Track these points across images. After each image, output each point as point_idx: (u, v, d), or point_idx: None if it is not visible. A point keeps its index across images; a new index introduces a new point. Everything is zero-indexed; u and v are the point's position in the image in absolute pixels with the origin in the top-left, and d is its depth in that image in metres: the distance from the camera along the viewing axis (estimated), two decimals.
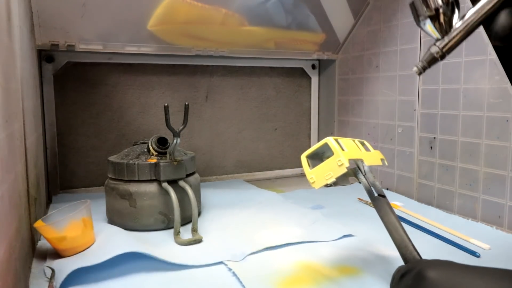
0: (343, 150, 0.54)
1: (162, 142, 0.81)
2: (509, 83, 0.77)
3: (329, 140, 0.55)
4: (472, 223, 0.81)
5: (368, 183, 0.57)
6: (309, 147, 1.36)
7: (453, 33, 0.51)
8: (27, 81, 0.72)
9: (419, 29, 0.95)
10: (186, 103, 0.78)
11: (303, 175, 1.36)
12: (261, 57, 1.22)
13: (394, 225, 0.53)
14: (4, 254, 0.41)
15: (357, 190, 1.09)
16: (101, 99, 1.09)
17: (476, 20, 0.50)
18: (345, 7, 1.12)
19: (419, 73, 0.55)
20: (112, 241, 0.65)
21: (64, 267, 0.58)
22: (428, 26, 0.52)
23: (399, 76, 1.02)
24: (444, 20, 0.51)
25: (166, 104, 0.74)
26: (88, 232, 0.66)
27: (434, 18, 0.51)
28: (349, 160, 0.53)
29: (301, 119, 1.36)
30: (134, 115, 1.13)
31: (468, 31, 0.51)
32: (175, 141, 0.77)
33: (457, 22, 0.51)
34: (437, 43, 0.52)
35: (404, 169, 1.02)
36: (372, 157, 0.59)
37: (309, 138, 1.37)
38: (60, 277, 0.55)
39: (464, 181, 0.86)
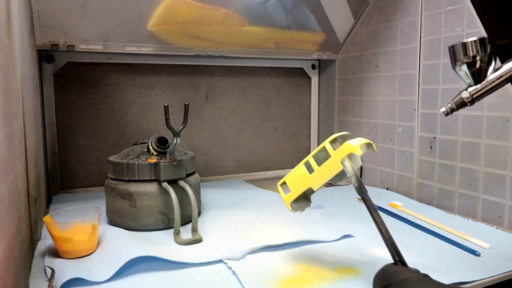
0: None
1: (162, 142, 0.81)
2: (509, 83, 0.77)
3: (278, 186, 0.64)
4: (472, 223, 0.81)
5: (356, 175, 0.57)
6: (309, 147, 1.37)
7: (486, 83, 0.53)
8: (27, 81, 0.72)
9: (419, 29, 0.95)
10: (186, 103, 0.79)
11: None
12: (261, 57, 1.22)
13: (384, 224, 0.54)
14: (4, 254, 0.41)
15: None
16: (101, 99, 1.09)
17: (510, 75, 0.53)
18: (345, 7, 1.12)
19: (447, 114, 0.57)
20: (115, 250, 0.65)
21: (66, 270, 0.58)
22: (463, 71, 0.54)
23: (399, 76, 1.02)
24: (480, 68, 0.53)
25: (166, 104, 0.74)
26: (94, 239, 0.66)
27: (471, 65, 0.53)
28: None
29: (301, 119, 1.36)
30: (134, 115, 1.13)
31: (500, 84, 0.54)
32: (175, 141, 0.77)
33: (491, 73, 0.53)
34: (469, 89, 0.54)
35: (404, 169, 1.02)
36: (325, 171, 0.58)
37: (309, 138, 1.37)
38: (60, 279, 0.55)
39: (464, 180, 0.86)
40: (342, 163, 0.56)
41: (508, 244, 0.70)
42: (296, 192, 0.60)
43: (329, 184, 1.19)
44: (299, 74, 1.33)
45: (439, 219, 0.82)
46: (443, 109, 0.57)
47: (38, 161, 0.83)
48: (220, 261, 0.63)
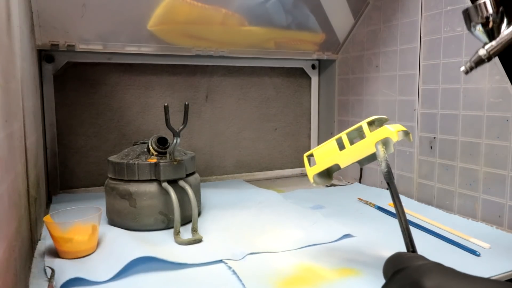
0: (320, 158, 0.61)
1: (162, 142, 0.81)
2: (509, 83, 0.77)
3: (304, 157, 0.64)
4: (472, 223, 0.81)
5: (387, 161, 0.56)
6: (309, 147, 1.37)
7: (500, 39, 0.57)
8: (27, 81, 0.72)
9: (419, 29, 0.95)
10: (186, 103, 0.78)
11: (303, 175, 1.36)
12: (261, 57, 1.22)
13: (404, 214, 0.54)
14: (4, 254, 0.41)
15: (357, 190, 1.09)
16: (101, 99, 1.09)
17: None
18: (345, 7, 1.12)
19: (466, 73, 0.60)
20: (115, 250, 0.65)
21: (66, 270, 0.58)
22: (479, 31, 0.58)
23: (399, 76, 1.02)
24: (493, 26, 0.57)
25: (166, 104, 0.74)
26: (94, 239, 0.66)
27: (485, 25, 0.57)
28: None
29: (301, 119, 1.36)
30: (134, 115, 1.13)
31: None
32: (175, 141, 0.77)
33: (505, 29, 0.57)
34: (486, 47, 0.58)
35: (404, 169, 1.02)
36: (356, 151, 0.58)
37: (309, 138, 1.37)
38: (60, 279, 0.55)
39: (464, 181, 0.86)
40: (376, 146, 0.56)
41: (508, 244, 0.70)
42: (322, 166, 0.60)
43: (330, 184, 1.19)
44: (299, 74, 1.33)
45: (439, 219, 0.82)
46: (462, 68, 0.60)
47: (38, 161, 0.83)
48: (220, 261, 0.63)
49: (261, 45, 1.17)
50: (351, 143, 0.59)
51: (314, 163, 0.61)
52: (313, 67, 1.34)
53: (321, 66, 1.34)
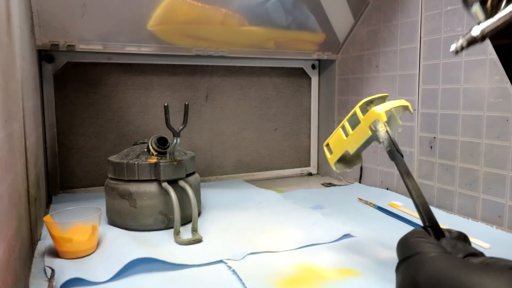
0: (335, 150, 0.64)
1: (162, 142, 0.81)
2: (509, 83, 0.77)
3: (323, 146, 0.66)
4: (472, 223, 0.81)
5: (388, 140, 0.56)
6: (309, 147, 1.37)
7: (497, 17, 0.51)
8: (27, 81, 0.72)
9: (419, 29, 0.95)
10: (186, 103, 0.79)
11: (303, 175, 1.36)
12: (261, 57, 1.22)
13: (418, 189, 0.52)
14: (3, 254, 0.41)
15: (357, 190, 1.09)
16: (101, 99, 1.09)
17: None
18: (345, 7, 1.12)
19: (456, 52, 0.54)
20: (115, 250, 0.65)
21: (66, 270, 0.58)
22: (475, 9, 0.52)
23: (399, 76, 1.02)
24: (491, 4, 0.51)
25: (166, 104, 0.74)
26: (94, 239, 0.66)
27: (483, 2, 0.52)
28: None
29: (301, 119, 1.36)
30: (134, 115, 1.13)
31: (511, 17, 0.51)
32: (175, 141, 0.77)
33: (504, 8, 0.51)
34: (481, 25, 0.52)
35: None
36: (357, 135, 0.60)
37: (309, 138, 1.37)
38: (60, 279, 0.55)
39: (464, 181, 0.86)
40: (375, 127, 0.56)
41: (508, 244, 0.70)
42: (338, 153, 0.62)
43: (329, 184, 1.19)
44: (299, 74, 1.33)
45: (439, 219, 0.80)
46: (453, 46, 0.54)
47: (38, 161, 0.83)
48: (220, 261, 0.63)
49: (261, 45, 1.17)
50: (354, 128, 0.60)
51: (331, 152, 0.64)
52: (313, 67, 1.34)
53: (321, 66, 1.34)
